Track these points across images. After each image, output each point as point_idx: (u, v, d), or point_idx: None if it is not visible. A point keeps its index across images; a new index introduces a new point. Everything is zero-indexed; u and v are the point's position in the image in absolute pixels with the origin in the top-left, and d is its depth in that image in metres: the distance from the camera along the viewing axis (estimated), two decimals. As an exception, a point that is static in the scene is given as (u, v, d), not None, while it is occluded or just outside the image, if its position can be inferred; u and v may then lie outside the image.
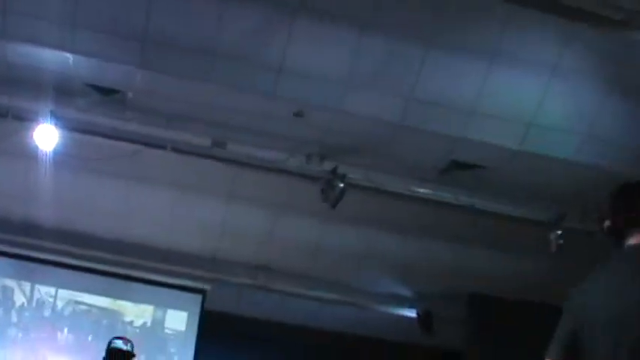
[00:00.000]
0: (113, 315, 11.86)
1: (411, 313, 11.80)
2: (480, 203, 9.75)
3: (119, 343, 6.63)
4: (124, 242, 11.12)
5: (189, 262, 11.24)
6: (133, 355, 6.62)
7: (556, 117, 8.59)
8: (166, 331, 11.85)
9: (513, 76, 8.23)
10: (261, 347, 12.03)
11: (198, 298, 11.70)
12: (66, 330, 11.72)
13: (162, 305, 11.92)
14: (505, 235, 10.41)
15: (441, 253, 10.88)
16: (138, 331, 11.34)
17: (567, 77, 8.17)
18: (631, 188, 3.68)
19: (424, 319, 11.77)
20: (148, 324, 11.84)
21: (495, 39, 7.88)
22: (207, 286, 11.63)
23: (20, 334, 11.61)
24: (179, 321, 11.88)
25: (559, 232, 9.67)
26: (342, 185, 9.04)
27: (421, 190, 9.68)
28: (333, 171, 9.08)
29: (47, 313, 11.73)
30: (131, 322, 11.77)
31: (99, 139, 9.35)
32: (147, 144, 9.39)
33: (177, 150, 9.38)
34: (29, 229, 10.98)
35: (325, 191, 9.15)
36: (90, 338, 11.66)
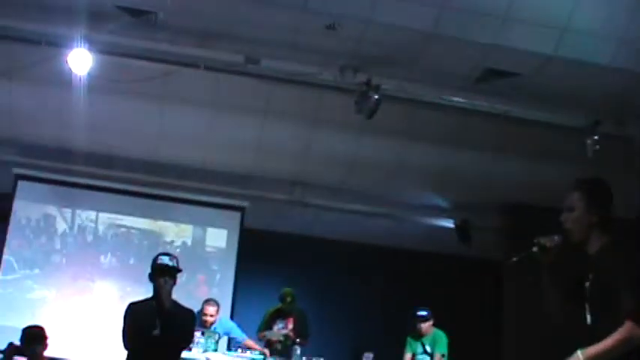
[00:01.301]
0: (154, 236, 12.01)
1: (448, 224, 11.86)
2: (515, 111, 9.71)
3: (165, 259, 6.63)
4: (161, 164, 11.24)
5: (226, 181, 11.36)
6: (179, 270, 6.67)
7: (590, 22, 8.49)
8: (207, 249, 12.00)
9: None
10: (299, 262, 12.14)
11: (237, 215, 11.82)
12: (109, 254, 11.89)
13: (202, 224, 12.06)
14: (541, 142, 10.39)
15: (476, 163, 10.86)
16: (178, 250, 11.45)
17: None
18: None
19: (462, 229, 11.82)
20: (189, 243, 12.00)
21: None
22: (245, 204, 11.74)
23: (64, 260, 11.78)
24: (219, 239, 12.02)
25: (595, 137, 9.63)
26: (376, 97, 9.00)
27: (456, 100, 9.65)
28: (367, 82, 9.04)
29: (89, 237, 11.92)
30: (172, 242, 11.91)
31: (132, 61, 9.36)
32: (180, 64, 9.37)
33: (210, 68, 9.35)
34: (67, 155, 11.09)
35: (359, 103, 9.13)
36: (132, 261, 11.85)
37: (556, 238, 4.37)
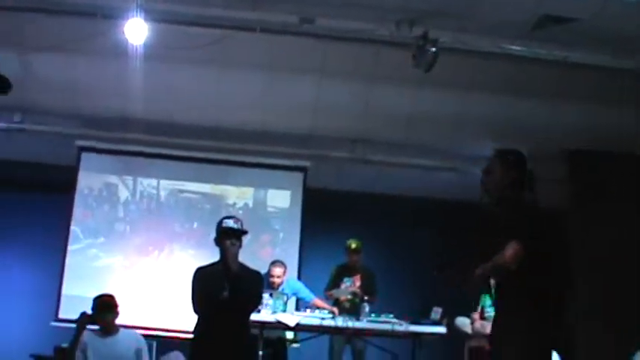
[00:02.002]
0: (215, 199, 12.09)
1: (512, 174, 11.73)
2: (574, 56, 9.52)
3: (230, 222, 6.68)
4: (220, 128, 11.29)
5: (287, 142, 11.38)
6: (245, 232, 6.72)
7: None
8: (268, 209, 12.04)
9: None
10: (362, 219, 12.14)
11: (300, 175, 11.82)
12: (172, 219, 12.00)
13: (264, 186, 12.08)
14: (600, 87, 10.20)
15: (537, 111, 10.73)
16: (241, 212, 11.48)
17: None
18: None
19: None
20: (250, 204, 12.04)
21: None
22: (307, 164, 11.75)
23: (128, 228, 11.93)
24: (281, 199, 12.05)
25: (656, 80, 9.48)
26: (433, 49, 8.89)
27: (514, 48, 9.49)
28: (424, 36, 8.92)
29: (152, 204, 12.05)
30: (233, 205, 11.97)
31: (187, 28, 9.38)
32: (235, 28, 9.37)
33: (265, 30, 9.34)
34: (126, 124, 11.23)
35: (417, 57, 9.03)
36: (195, 225, 11.95)
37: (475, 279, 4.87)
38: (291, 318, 8.66)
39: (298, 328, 8.96)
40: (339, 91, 10.53)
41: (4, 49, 10.00)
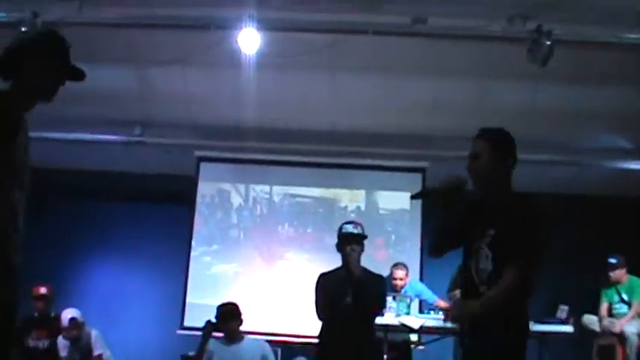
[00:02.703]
0: (328, 203, 12.02)
1: (635, 166, 11.41)
2: (695, 41, 9.23)
3: (349, 227, 6.72)
4: (335, 132, 11.26)
5: (403, 143, 11.23)
6: (365, 237, 6.73)
7: None
8: (381, 211, 11.92)
9: None
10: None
11: (418, 177, 11.62)
12: (286, 224, 11.99)
13: (378, 188, 11.97)
14: None
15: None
16: (353, 215, 11.33)
17: None
18: None
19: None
20: (362, 207, 11.94)
21: None
22: (425, 164, 11.60)
23: (242, 234, 11.97)
24: (395, 201, 11.82)
25: None
26: (548, 42, 8.72)
27: (631, 36, 9.23)
28: (538, 29, 8.75)
29: (265, 210, 12.07)
30: (345, 208, 11.90)
31: (299, 35, 9.43)
32: (346, 31, 9.37)
33: (377, 33, 9.28)
34: (242, 132, 11.33)
35: (532, 51, 8.85)
36: (309, 229, 11.91)
37: (454, 180, 4.43)
38: (415, 320, 8.59)
39: (422, 330, 8.87)
40: (455, 90, 10.39)
41: (123, 65, 10.29)
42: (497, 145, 4.46)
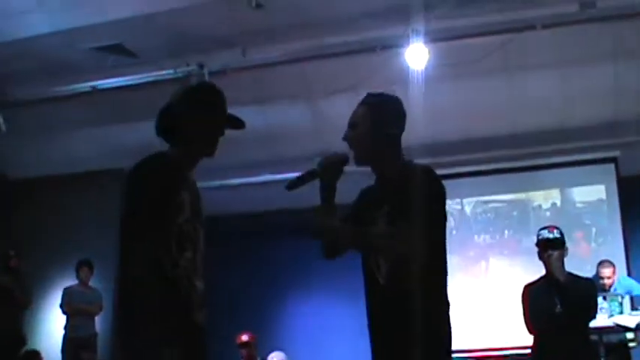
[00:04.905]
0: (521, 204, 11.71)
1: None
2: None
3: (544, 233, 6.51)
4: (517, 135, 10.96)
5: (589, 135, 10.81)
6: (563, 241, 6.47)
7: None
8: (577, 205, 11.50)
9: None
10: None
11: (610, 167, 11.16)
12: (482, 232, 11.80)
13: (570, 184, 11.56)
14: None
15: None
16: (548, 213, 11.15)
17: None
18: None
19: None
20: (558, 204, 11.56)
21: None
22: (616, 153, 11.08)
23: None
24: (591, 193, 11.44)
25: None
26: None
27: None
28: None
29: (456, 220, 11.83)
30: (539, 207, 11.55)
31: (467, 41, 9.31)
32: (515, 30, 9.15)
33: (547, 26, 9.03)
34: (421, 148, 11.14)
35: None
36: (506, 234, 11.61)
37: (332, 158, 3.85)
38: (629, 319, 8.21)
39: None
40: (638, 71, 9.87)
41: (295, 101, 10.34)
42: (378, 112, 3.79)
